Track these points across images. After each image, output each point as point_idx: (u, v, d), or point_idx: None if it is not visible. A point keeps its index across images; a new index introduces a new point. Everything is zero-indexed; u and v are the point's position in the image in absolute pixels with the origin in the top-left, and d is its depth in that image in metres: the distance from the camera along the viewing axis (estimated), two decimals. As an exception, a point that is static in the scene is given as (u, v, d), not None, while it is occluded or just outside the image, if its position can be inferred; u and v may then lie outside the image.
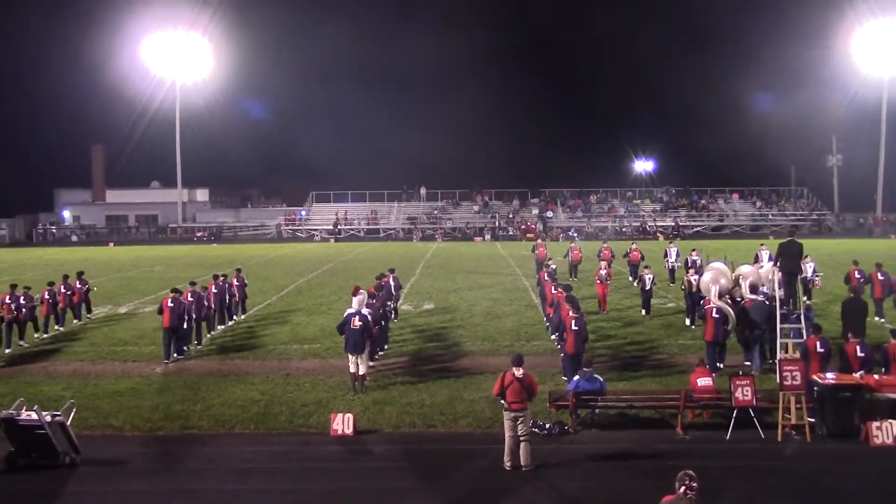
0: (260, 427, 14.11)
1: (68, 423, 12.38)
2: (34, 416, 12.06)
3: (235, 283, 24.90)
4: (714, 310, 17.44)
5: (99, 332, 23.45)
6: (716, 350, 17.43)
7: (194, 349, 20.73)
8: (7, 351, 20.70)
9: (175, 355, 19.50)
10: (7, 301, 21.14)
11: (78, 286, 25.02)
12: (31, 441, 12.11)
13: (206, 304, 21.52)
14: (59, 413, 12.40)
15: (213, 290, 22.69)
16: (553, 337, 20.22)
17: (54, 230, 79.68)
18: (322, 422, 14.05)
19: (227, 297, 23.87)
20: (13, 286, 22.05)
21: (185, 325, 19.70)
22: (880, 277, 23.48)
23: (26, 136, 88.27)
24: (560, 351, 17.55)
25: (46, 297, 23.14)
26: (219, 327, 23.13)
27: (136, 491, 11.46)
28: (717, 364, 17.19)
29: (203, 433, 13.88)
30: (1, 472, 12.02)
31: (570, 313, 16.68)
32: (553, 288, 21.43)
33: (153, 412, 14.92)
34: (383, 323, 19.91)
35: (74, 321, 24.79)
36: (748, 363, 17.66)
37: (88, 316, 25.61)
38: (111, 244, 67.90)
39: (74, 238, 75.98)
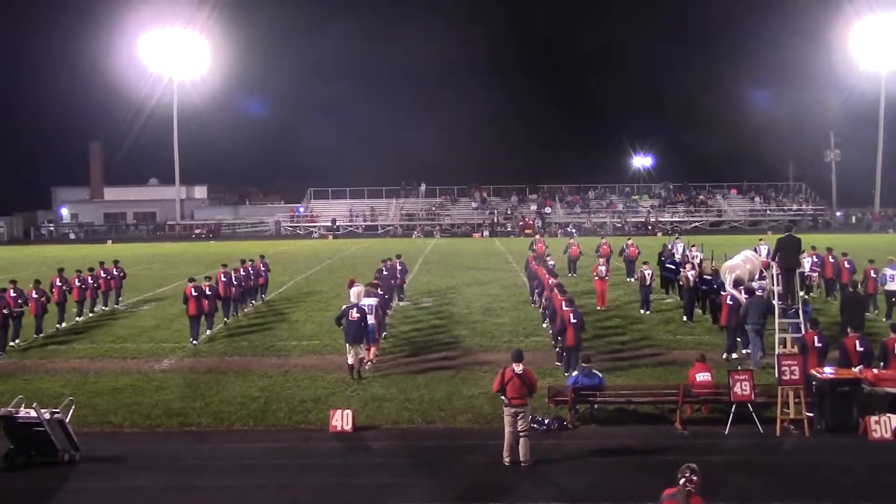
0: (259, 423, 14.13)
1: (67, 420, 12.38)
2: (33, 413, 12.06)
3: (261, 267, 27.75)
4: (728, 297, 18.61)
5: (98, 329, 23.45)
6: (731, 336, 18.46)
7: (233, 321, 23.93)
8: (63, 325, 23.51)
9: (208, 332, 21.93)
10: (58, 284, 23.74)
11: (114, 273, 27.56)
12: (30, 438, 12.11)
13: (234, 284, 24.42)
14: (57, 410, 12.39)
15: (242, 273, 25.48)
16: (545, 325, 21.46)
17: (52, 228, 79.59)
18: (321, 418, 14.06)
19: (254, 280, 26.64)
20: (61, 270, 24.73)
21: (206, 311, 21.72)
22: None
23: (24, 134, 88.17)
24: (558, 344, 17.80)
25: (90, 281, 25.53)
26: (251, 303, 26.75)
27: (135, 488, 11.46)
28: (731, 350, 18.25)
29: (202, 430, 13.89)
30: (0, 469, 12.02)
31: (565, 306, 16.99)
32: (545, 275, 23.26)
33: (152, 409, 14.93)
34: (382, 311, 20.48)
35: (103, 308, 26.77)
36: (746, 351, 18.17)
37: (104, 308, 26.96)
38: (109, 242, 67.78)
39: (72, 236, 75.86)
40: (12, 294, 21.10)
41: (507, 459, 11.89)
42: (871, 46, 69.08)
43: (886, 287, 22.75)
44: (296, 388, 16.25)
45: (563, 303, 17.25)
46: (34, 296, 22.09)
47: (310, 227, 75.80)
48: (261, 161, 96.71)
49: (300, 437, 13.49)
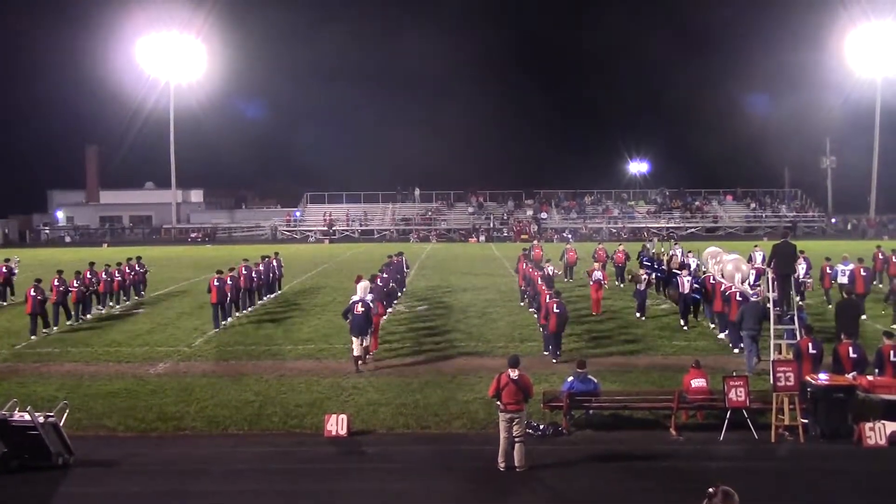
0: (254, 428, 14.10)
1: (61, 423, 12.33)
2: (27, 416, 12.01)
3: (275, 264, 30.55)
4: (738, 293, 19.74)
5: (92, 332, 23.40)
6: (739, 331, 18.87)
7: (252, 311, 26.57)
8: (87, 316, 25.83)
9: (225, 322, 24.07)
10: (88, 276, 26.09)
11: (137, 269, 30.25)
12: (24, 442, 12.06)
13: (254, 278, 27.25)
14: (52, 414, 12.35)
15: (261, 268, 28.52)
16: (532, 310, 24.36)
17: (48, 231, 79.46)
18: (316, 423, 14.04)
19: (271, 274, 29.58)
20: (92, 264, 27.62)
21: (228, 300, 24.07)
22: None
23: (20, 137, 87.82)
24: (543, 329, 19.74)
25: (117, 276, 28.20)
26: (269, 296, 29.47)
27: (129, 492, 11.43)
28: (740, 345, 18.85)
29: (197, 434, 13.87)
30: (-6, 473, 12.00)
31: (550, 297, 19.15)
32: (526, 264, 26.68)
33: (147, 413, 14.90)
34: (384, 302, 23.22)
35: (122, 301, 28.92)
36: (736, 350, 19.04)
37: (134, 299, 29.91)
38: (105, 245, 67.67)
39: (68, 239, 75.78)
40: (56, 283, 24.20)
41: (502, 465, 11.87)
42: (866, 53, 69.34)
43: (839, 281, 25.47)
44: (291, 393, 16.22)
45: (549, 295, 19.57)
46: (75, 285, 24.87)
47: (306, 230, 75.82)
48: (257, 165, 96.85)
49: (295, 441, 13.47)
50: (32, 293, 22.83)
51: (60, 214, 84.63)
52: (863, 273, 24.70)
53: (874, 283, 27.40)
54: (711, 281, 22.27)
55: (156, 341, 21.88)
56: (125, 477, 11.94)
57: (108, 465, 12.33)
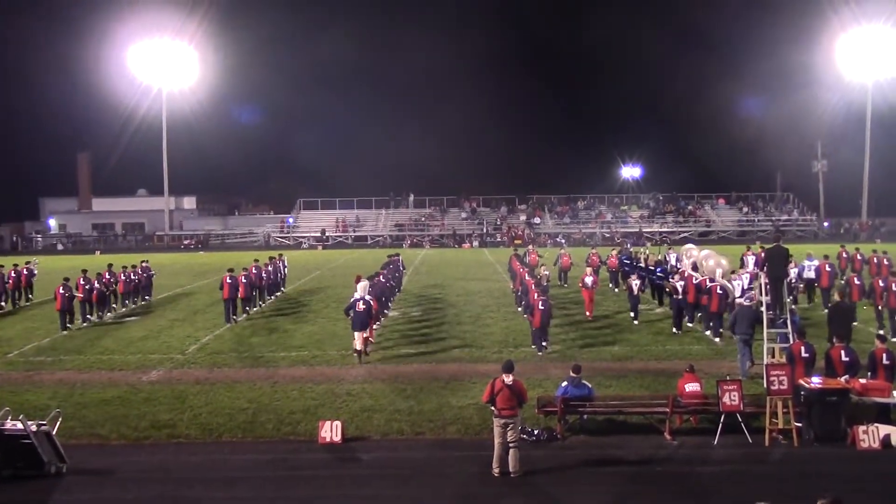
0: (247, 435, 14.07)
1: (54, 432, 12.30)
2: (19, 425, 11.97)
3: (280, 265, 32.76)
4: (718, 287, 21.32)
5: (85, 340, 23.31)
6: (720, 321, 21.23)
7: (266, 307, 28.99)
8: (109, 315, 27.63)
9: (246, 313, 26.89)
10: (107, 277, 27.83)
11: (139, 272, 31.25)
12: (17, 451, 12.01)
13: (264, 277, 29.42)
14: (44, 422, 12.33)
15: (270, 268, 30.80)
16: (520, 308, 26.00)
17: (40, 238, 79.17)
18: (310, 429, 14.01)
19: (277, 274, 31.85)
20: (110, 265, 29.43)
21: (241, 295, 26.18)
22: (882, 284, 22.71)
23: (11, 144, 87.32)
24: (531, 325, 21.24)
25: (133, 277, 29.90)
26: (274, 296, 31.52)
27: (122, 500, 11.39)
28: (720, 332, 21.03)
29: (190, 442, 13.83)
30: (-14, 482, 11.94)
31: (537, 296, 20.47)
32: (521, 267, 28.48)
33: (140, 421, 14.85)
34: (384, 299, 25.22)
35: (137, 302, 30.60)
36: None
37: (146, 298, 31.61)
38: (97, 252, 67.40)
39: (60, 246, 75.48)
40: (82, 282, 25.95)
41: (496, 470, 11.87)
42: (857, 57, 69.65)
43: (804, 276, 26.99)
44: (284, 400, 16.19)
45: (536, 293, 20.79)
46: (96, 286, 26.37)
47: (299, 237, 75.75)
48: (250, 171, 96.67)
49: (289, 448, 13.44)
50: (61, 291, 24.86)
51: (52, 222, 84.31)
52: (828, 269, 26.46)
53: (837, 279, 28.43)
54: (685, 274, 23.35)
55: (149, 349, 21.81)
56: (119, 485, 11.90)
57: (102, 474, 12.29)
